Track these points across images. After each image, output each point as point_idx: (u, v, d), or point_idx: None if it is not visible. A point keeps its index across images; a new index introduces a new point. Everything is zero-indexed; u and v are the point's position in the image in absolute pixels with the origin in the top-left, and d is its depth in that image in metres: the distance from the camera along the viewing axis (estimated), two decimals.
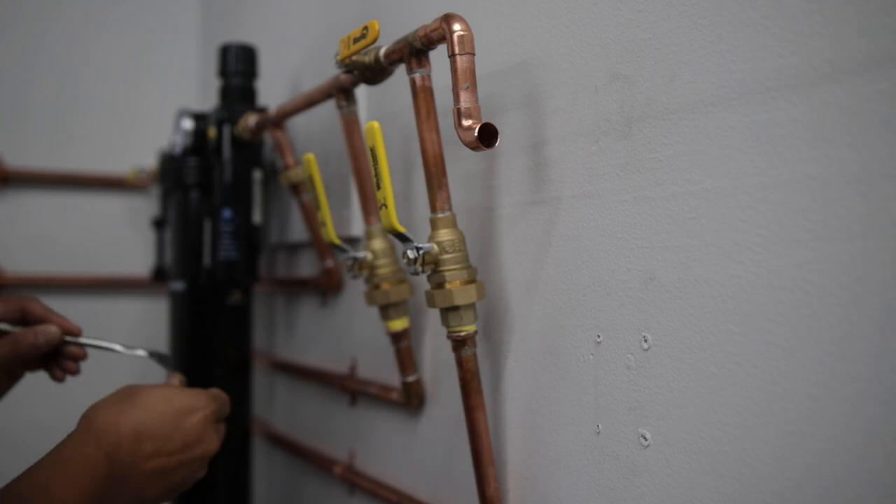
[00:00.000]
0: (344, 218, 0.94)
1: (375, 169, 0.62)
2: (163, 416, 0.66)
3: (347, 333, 0.99)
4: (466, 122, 0.57)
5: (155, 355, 0.81)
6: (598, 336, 0.58)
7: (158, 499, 0.66)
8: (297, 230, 1.10)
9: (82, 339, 0.79)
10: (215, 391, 0.74)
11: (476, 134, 0.55)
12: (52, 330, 0.76)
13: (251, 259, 1.09)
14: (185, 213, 1.15)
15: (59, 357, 0.79)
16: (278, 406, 1.24)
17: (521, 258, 0.66)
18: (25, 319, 0.77)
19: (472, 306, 0.63)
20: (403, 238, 0.63)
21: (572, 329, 0.60)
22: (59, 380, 0.80)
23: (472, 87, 0.58)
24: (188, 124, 1.16)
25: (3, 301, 0.77)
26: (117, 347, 0.79)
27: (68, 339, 0.78)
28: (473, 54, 0.58)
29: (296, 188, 1.01)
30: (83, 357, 0.80)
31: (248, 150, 1.08)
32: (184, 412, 0.67)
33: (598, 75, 0.58)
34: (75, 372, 0.80)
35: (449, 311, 0.63)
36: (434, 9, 0.62)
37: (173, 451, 0.65)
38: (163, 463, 0.65)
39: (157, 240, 1.40)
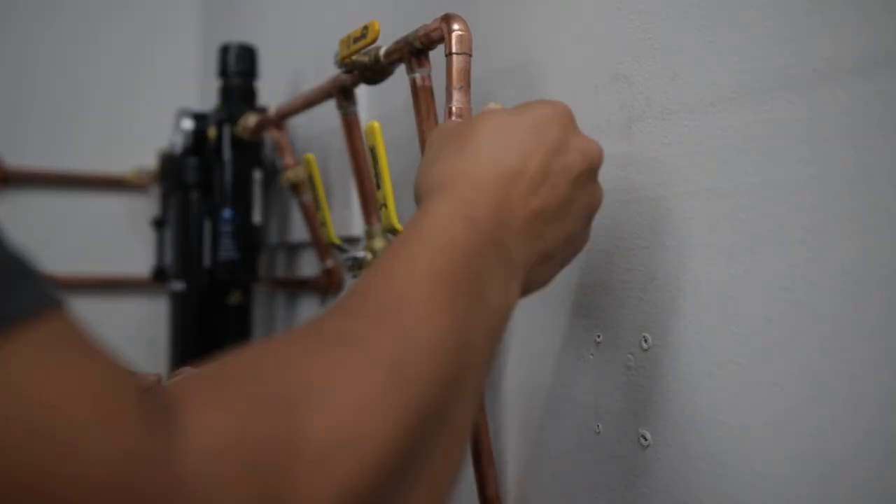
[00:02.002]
0: (344, 218, 0.94)
1: (375, 169, 0.62)
2: (511, 141, 0.46)
3: None
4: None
5: None
6: (598, 336, 0.58)
7: (565, 249, 0.49)
8: (297, 230, 1.10)
9: None
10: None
11: None
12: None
13: (251, 259, 1.09)
14: (185, 213, 1.15)
15: None
16: None
17: None
18: None
19: None
20: None
21: (572, 329, 0.60)
22: None
23: (466, 87, 0.58)
24: (188, 124, 1.16)
25: None
26: None
27: None
28: (470, 55, 0.58)
29: (296, 188, 1.01)
30: None
31: (248, 150, 1.08)
32: (536, 126, 0.46)
33: (598, 75, 0.58)
34: None
35: None
36: (434, 8, 0.62)
37: (552, 171, 0.46)
38: (547, 195, 0.45)
39: (157, 240, 1.40)
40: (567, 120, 0.48)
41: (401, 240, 0.41)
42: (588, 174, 0.48)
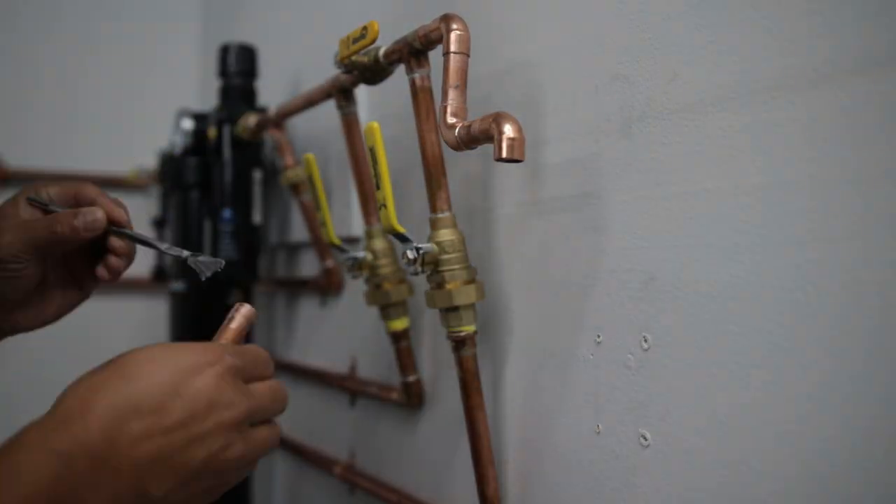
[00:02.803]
0: (344, 218, 0.94)
1: (375, 169, 0.62)
2: (153, 383, 0.47)
3: (347, 333, 0.99)
4: (451, 120, 0.56)
5: (199, 261, 0.65)
6: (598, 336, 0.58)
7: (181, 500, 0.48)
8: (297, 230, 1.10)
9: (127, 231, 0.66)
10: (234, 345, 0.54)
11: (457, 135, 0.55)
12: (98, 214, 0.64)
13: (251, 259, 1.09)
14: (185, 213, 1.15)
15: (105, 252, 0.67)
16: None
17: (520, 258, 0.66)
18: (78, 204, 0.66)
19: (471, 306, 0.63)
20: (403, 238, 0.63)
21: (572, 329, 0.60)
22: (102, 278, 0.67)
23: (462, 86, 0.57)
24: (188, 124, 1.16)
25: (59, 184, 0.67)
26: (162, 246, 0.67)
27: (113, 228, 0.66)
28: (468, 55, 0.58)
29: (296, 188, 1.01)
30: (128, 254, 0.67)
31: (248, 150, 1.08)
32: (184, 372, 0.48)
33: (598, 75, 0.58)
34: (119, 270, 0.67)
35: (448, 312, 0.63)
36: (434, 9, 0.62)
37: (172, 425, 0.46)
38: (161, 444, 0.46)
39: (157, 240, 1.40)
40: (225, 371, 0.50)
41: None
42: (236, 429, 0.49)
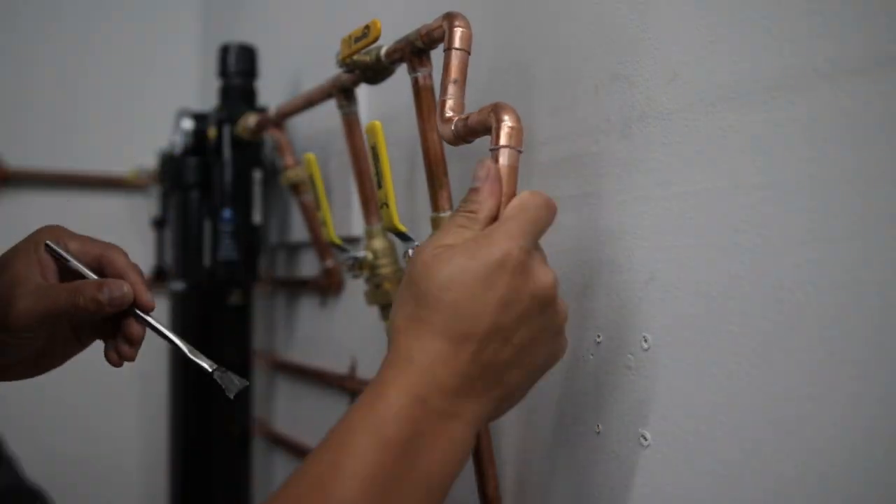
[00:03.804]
0: (344, 218, 0.94)
1: (377, 168, 0.62)
2: (462, 297, 0.46)
3: (347, 333, 0.99)
4: (448, 114, 0.56)
5: (225, 377, 0.62)
6: (598, 336, 0.58)
7: (532, 377, 0.50)
8: (297, 230, 1.10)
9: (152, 321, 0.61)
10: (517, 224, 0.49)
11: (453, 128, 0.55)
12: (125, 289, 0.58)
13: (251, 259, 1.09)
14: (185, 213, 1.15)
15: (120, 331, 0.61)
16: (278, 406, 1.24)
17: None
18: (102, 270, 0.60)
19: None
20: (405, 237, 0.63)
21: (572, 329, 0.60)
22: (113, 363, 0.62)
23: (462, 82, 0.58)
24: (188, 124, 1.16)
25: (87, 242, 0.61)
26: (185, 349, 0.62)
27: (137, 312, 0.60)
28: (469, 52, 0.58)
29: (296, 188, 1.01)
30: (141, 342, 0.62)
31: (248, 150, 1.08)
32: (487, 277, 0.47)
33: (598, 75, 0.58)
34: (130, 358, 0.62)
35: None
36: (435, 8, 0.62)
37: (502, 326, 0.47)
38: (497, 350, 0.47)
39: (157, 240, 1.40)
40: (517, 265, 0.47)
41: (350, 426, 0.46)
42: (542, 313, 0.49)
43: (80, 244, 0.61)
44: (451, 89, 0.57)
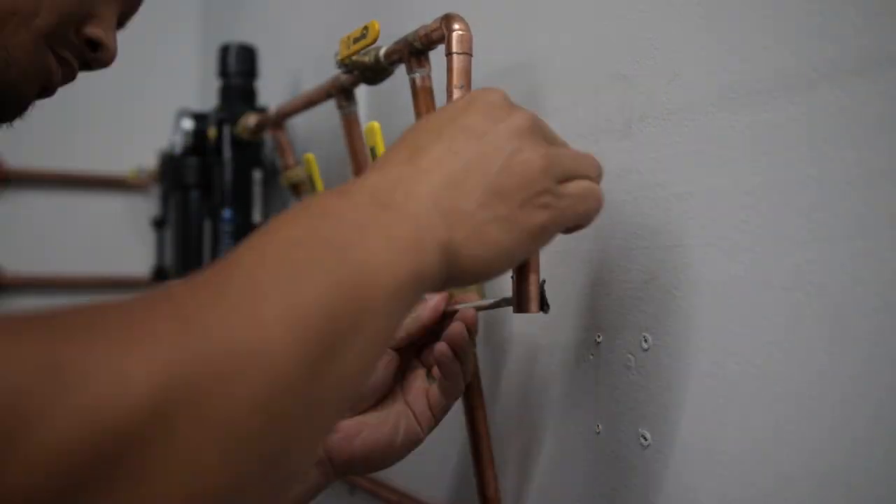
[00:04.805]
0: None
1: None
2: (443, 145, 0.40)
3: None
4: None
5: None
6: (598, 336, 0.58)
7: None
8: None
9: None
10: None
11: None
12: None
13: None
14: (185, 213, 1.15)
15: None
16: None
17: None
18: None
19: None
20: None
21: (572, 329, 0.60)
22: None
23: (467, 87, 0.58)
24: (188, 124, 1.16)
25: None
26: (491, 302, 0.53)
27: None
28: (471, 55, 0.58)
29: (296, 188, 1.01)
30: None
31: (248, 150, 1.08)
32: (452, 113, 0.42)
33: (598, 75, 0.58)
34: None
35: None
36: (435, 8, 0.62)
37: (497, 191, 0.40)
38: (499, 211, 0.40)
39: (157, 240, 1.40)
40: (489, 102, 0.43)
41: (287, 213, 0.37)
42: (520, 149, 0.42)
43: None
44: (458, 94, 0.57)
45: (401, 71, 0.67)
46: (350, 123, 0.79)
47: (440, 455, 0.77)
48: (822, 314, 0.43)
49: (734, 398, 0.48)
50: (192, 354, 0.28)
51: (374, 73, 0.70)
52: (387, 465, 0.58)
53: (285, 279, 0.32)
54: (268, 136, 1.07)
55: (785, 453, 0.45)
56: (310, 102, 0.86)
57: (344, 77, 0.75)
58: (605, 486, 0.57)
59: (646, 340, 0.54)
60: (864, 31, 0.42)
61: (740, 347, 0.48)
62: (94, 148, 1.53)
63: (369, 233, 0.36)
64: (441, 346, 0.54)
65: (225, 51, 1.12)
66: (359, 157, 0.79)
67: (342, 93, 0.78)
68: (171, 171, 1.18)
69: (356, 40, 0.68)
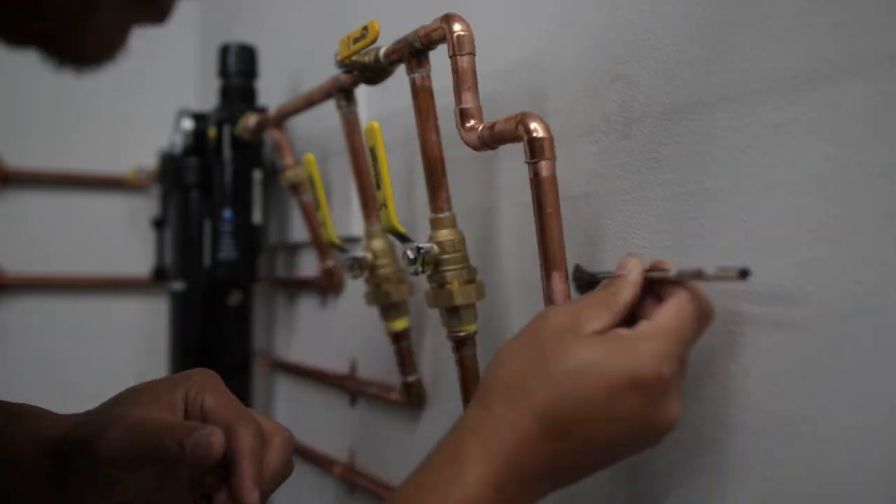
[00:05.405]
0: (344, 218, 0.94)
1: (375, 169, 0.62)
2: (576, 399, 0.44)
3: (347, 333, 0.99)
4: (469, 123, 0.57)
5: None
6: None
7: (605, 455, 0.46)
8: (297, 230, 1.10)
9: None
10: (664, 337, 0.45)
11: (479, 136, 0.56)
12: (212, 445, 0.46)
13: (251, 259, 1.09)
14: (185, 213, 1.15)
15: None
16: (278, 406, 1.24)
17: (521, 258, 0.66)
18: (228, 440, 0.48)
19: (471, 306, 0.63)
20: (403, 238, 0.63)
21: None
22: None
23: (474, 87, 0.58)
24: (188, 124, 1.16)
25: (226, 404, 0.51)
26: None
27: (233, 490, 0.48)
28: (474, 54, 0.58)
29: (296, 188, 1.01)
30: None
31: (248, 150, 1.08)
32: (609, 392, 0.44)
33: (598, 75, 0.58)
34: None
35: (449, 311, 0.62)
36: (435, 8, 0.62)
37: (598, 448, 0.45)
38: (588, 461, 0.46)
39: (157, 240, 1.40)
40: (650, 392, 0.44)
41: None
42: (645, 439, 0.46)
43: (217, 404, 0.51)
44: (466, 96, 0.58)
45: (401, 71, 0.67)
46: (350, 123, 0.79)
47: None
48: (823, 314, 0.43)
49: (734, 398, 0.48)
50: None
51: (374, 73, 0.70)
52: None
53: None
54: (268, 136, 1.07)
55: (785, 454, 0.45)
56: (310, 102, 0.86)
57: (344, 77, 0.75)
58: (605, 486, 0.57)
59: None
60: (864, 31, 0.42)
61: (740, 347, 0.48)
62: (94, 148, 1.53)
63: None
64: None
65: (225, 51, 1.12)
66: (359, 157, 0.79)
67: (342, 93, 0.78)
68: (171, 171, 1.18)
69: (356, 40, 0.68)
